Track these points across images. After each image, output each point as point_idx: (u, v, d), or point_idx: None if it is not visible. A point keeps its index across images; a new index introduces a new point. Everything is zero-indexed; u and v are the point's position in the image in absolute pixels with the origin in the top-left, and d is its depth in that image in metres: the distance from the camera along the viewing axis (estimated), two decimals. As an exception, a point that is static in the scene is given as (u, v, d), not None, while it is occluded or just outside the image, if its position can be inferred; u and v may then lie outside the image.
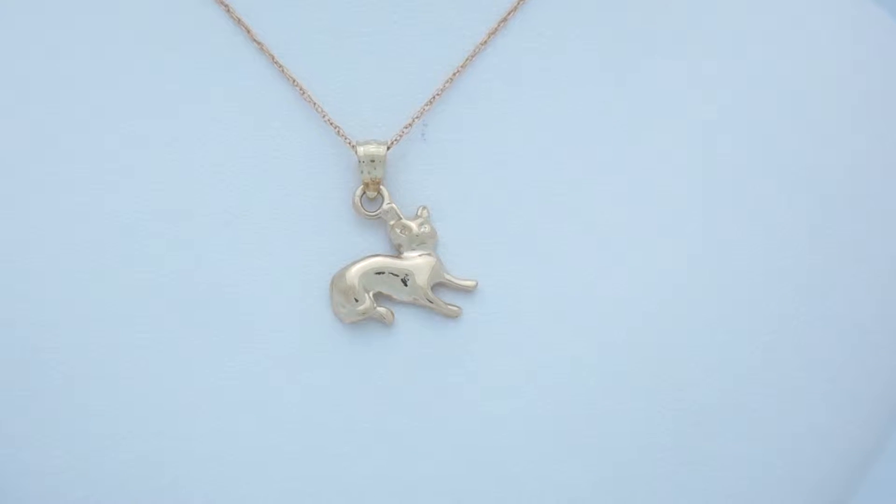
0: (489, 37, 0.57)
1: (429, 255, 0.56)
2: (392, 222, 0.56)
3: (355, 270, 0.56)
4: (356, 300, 0.56)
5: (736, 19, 0.59)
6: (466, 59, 0.57)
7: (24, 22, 0.58)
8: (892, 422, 0.59)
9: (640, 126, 0.57)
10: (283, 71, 0.57)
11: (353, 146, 0.56)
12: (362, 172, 0.56)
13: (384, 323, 0.56)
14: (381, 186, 0.56)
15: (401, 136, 0.56)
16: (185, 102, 0.57)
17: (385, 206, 0.56)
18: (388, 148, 0.56)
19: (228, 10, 0.57)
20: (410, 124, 0.56)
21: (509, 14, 0.57)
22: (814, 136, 0.58)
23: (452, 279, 0.56)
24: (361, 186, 0.56)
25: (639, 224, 0.57)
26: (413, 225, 0.56)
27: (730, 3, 0.59)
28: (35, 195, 0.57)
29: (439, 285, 0.56)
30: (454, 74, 0.57)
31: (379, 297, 0.56)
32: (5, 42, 0.58)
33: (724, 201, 0.57)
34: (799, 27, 0.59)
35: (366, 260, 0.56)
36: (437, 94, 0.57)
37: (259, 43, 0.57)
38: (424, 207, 0.56)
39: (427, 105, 0.57)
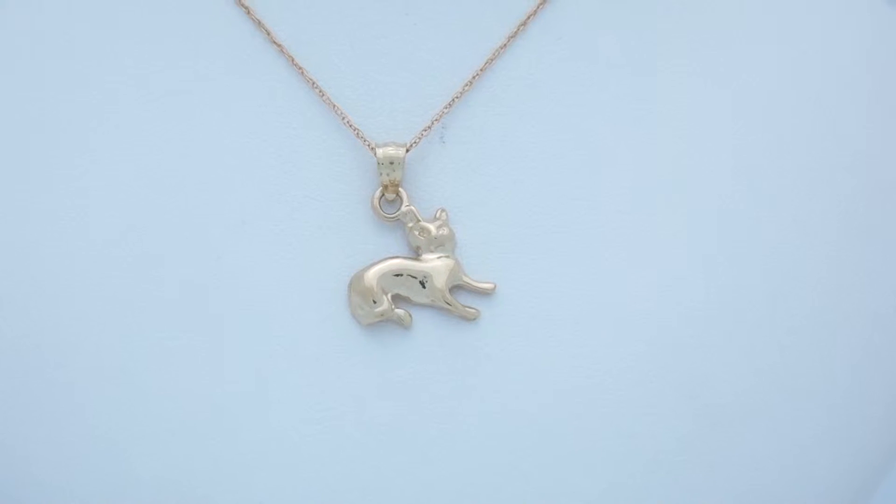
0: (508, 40, 0.57)
1: (447, 257, 0.56)
2: (410, 224, 0.56)
3: (374, 272, 0.56)
4: (374, 302, 0.56)
5: (757, 22, 0.59)
6: (485, 63, 0.57)
7: (34, 18, 0.58)
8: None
9: (659, 132, 0.57)
10: (302, 73, 0.57)
11: (372, 148, 0.56)
12: (381, 174, 0.56)
13: (402, 325, 0.56)
14: (400, 189, 0.56)
15: (420, 138, 0.56)
16: (203, 103, 0.57)
17: (404, 209, 0.56)
18: (408, 150, 0.56)
19: (249, 12, 0.57)
20: (429, 127, 0.56)
21: (529, 18, 0.57)
22: (833, 137, 0.58)
23: (471, 282, 0.56)
24: (380, 188, 0.56)
25: (658, 228, 0.57)
26: (431, 227, 0.56)
27: (751, 6, 0.59)
28: (45, 192, 0.57)
29: (457, 288, 0.56)
30: (473, 78, 0.57)
31: (397, 299, 0.56)
32: (16, 38, 0.59)
33: (743, 205, 0.57)
34: (818, 29, 0.59)
35: (384, 262, 0.56)
36: (456, 97, 0.57)
37: (279, 45, 0.57)
38: (443, 210, 0.56)
39: (446, 108, 0.57)
